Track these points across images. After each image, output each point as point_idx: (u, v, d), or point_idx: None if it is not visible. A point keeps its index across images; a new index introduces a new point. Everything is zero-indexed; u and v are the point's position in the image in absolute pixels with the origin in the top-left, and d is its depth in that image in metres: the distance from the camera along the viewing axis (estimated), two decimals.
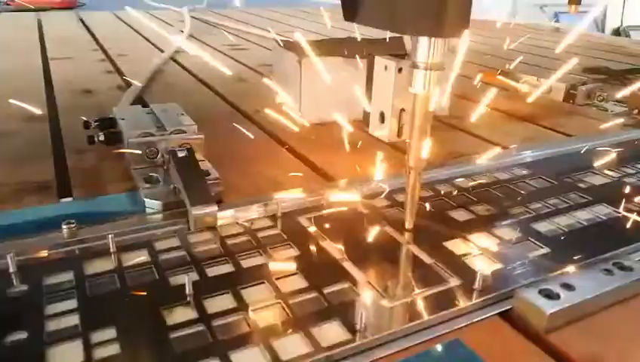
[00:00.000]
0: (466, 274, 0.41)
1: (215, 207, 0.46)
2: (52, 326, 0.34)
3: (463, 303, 0.38)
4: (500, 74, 0.99)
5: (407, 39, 0.50)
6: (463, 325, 0.36)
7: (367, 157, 0.66)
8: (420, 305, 0.37)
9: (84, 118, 0.64)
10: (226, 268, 0.41)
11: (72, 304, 0.36)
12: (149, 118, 0.62)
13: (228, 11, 2.13)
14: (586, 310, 0.37)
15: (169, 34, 1.55)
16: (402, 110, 0.47)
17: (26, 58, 1.14)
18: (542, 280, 0.39)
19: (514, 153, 0.67)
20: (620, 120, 0.81)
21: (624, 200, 0.54)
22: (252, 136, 0.72)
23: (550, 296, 0.37)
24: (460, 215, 0.51)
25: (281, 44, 0.82)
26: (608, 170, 0.63)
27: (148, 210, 0.50)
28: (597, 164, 0.65)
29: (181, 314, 0.36)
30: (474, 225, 0.49)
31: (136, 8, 2.15)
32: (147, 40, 1.47)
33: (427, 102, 0.43)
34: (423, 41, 0.40)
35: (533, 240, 0.47)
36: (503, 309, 0.38)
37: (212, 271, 0.41)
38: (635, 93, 0.85)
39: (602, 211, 0.53)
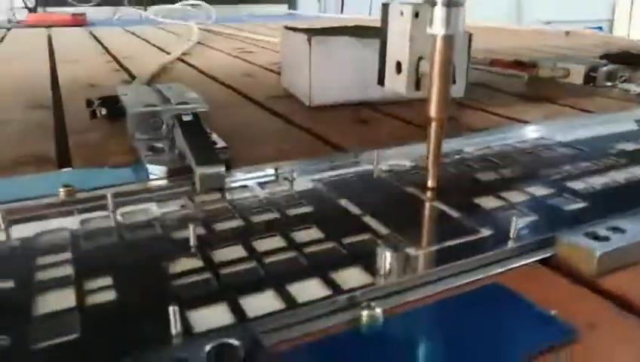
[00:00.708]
0: (499, 225, 0.37)
1: (222, 167, 0.43)
2: (41, 276, 0.31)
3: (498, 250, 0.34)
4: (514, 61, 0.96)
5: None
6: (499, 270, 0.32)
7: (381, 132, 0.63)
8: (450, 252, 0.34)
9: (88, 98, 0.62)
10: (235, 223, 0.38)
11: (65, 256, 0.33)
12: (153, 93, 0.60)
13: (236, 24, 2.13)
14: None
15: (177, 40, 1.55)
16: (420, 58, 0.44)
17: (34, 64, 1.13)
18: (587, 226, 0.35)
19: (538, 126, 0.63)
20: None
21: None
22: (261, 118, 0.69)
23: (598, 238, 0.33)
24: (487, 176, 0.47)
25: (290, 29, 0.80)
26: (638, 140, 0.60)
27: (152, 177, 0.47)
28: (625, 133, 0.61)
29: (185, 263, 0.32)
30: (503, 184, 0.45)
31: (145, 25, 2.17)
32: (155, 46, 1.46)
33: (448, 45, 0.40)
34: None
35: (568, 195, 0.43)
36: (544, 256, 0.34)
37: (219, 226, 0.37)
38: None
39: (638, 171, 0.49)
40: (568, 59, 1.00)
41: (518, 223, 0.35)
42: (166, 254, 0.33)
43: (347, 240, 0.35)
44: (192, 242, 0.34)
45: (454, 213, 0.39)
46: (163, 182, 0.46)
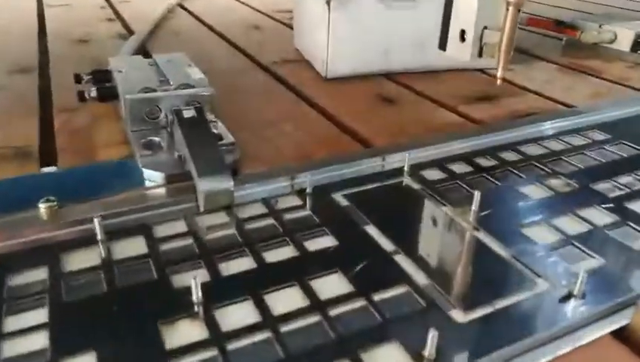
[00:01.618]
0: (556, 272, 0.31)
1: (230, 181, 0.37)
2: (10, 349, 0.26)
3: (559, 318, 0.28)
4: (554, 21, 0.86)
5: None
6: (563, 352, 0.27)
7: (413, 116, 0.55)
8: (502, 321, 0.28)
9: (76, 72, 0.55)
10: (246, 264, 0.32)
11: (41, 316, 0.27)
12: (150, 70, 0.52)
13: None
14: None
15: None
16: (485, 28, 0.39)
17: (19, 13, 1.03)
18: None
19: (584, 113, 0.56)
20: None
21: None
22: (272, 94, 0.62)
23: None
24: (535, 191, 0.41)
25: None
26: None
27: (147, 183, 0.41)
28: None
29: (186, 331, 0.27)
30: (554, 205, 0.39)
31: None
32: None
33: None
34: None
35: (633, 224, 0.37)
36: (617, 326, 0.28)
37: (227, 268, 0.31)
38: None
39: None
40: (614, 17, 0.90)
41: (584, 276, 0.29)
42: (163, 313, 0.27)
43: (379, 296, 0.29)
44: (194, 297, 0.28)
45: (502, 251, 0.33)
46: (160, 192, 0.39)
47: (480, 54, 0.43)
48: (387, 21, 0.63)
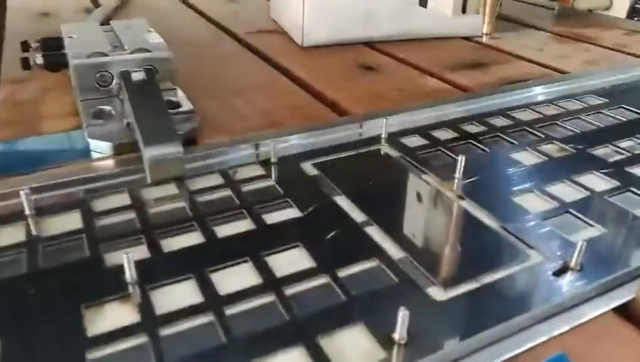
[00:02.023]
0: (551, 243, 0.27)
1: (179, 147, 0.32)
2: None
3: (554, 293, 0.24)
4: None
5: None
6: (561, 331, 0.22)
7: (395, 84, 0.51)
8: (490, 298, 0.24)
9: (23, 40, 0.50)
10: (193, 239, 0.27)
11: None
12: (105, 36, 0.47)
13: None
14: None
15: None
16: None
17: None
18: None
19: (580, 78, 0.52)
20: None
21: None
22: (243, 62, 0.57)
23: None
24: (526, 157, 0.37)
25: None
26: None
27: (94, 155, 0.37)
28: None
29: (113, 315, 0.22)
30: (548, 171, 0.35)
31: None
32: None
33: None
34: None
35: (635, 190, 0.33)
36: (620, 302, 0.24)
37: (170, 245, 0.27)
38: None
39: None
40: None
41: (582, 246, 0.25)
42: (89, 296, 0.23)
43: (345, 272, 0.25)
44: (128, 276, 0.24)
45: (489, 221, 0.29)
46: (106, 164, 0.35)
47: (464, 9, 0.39)
48: None
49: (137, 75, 0.37)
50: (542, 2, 0.83)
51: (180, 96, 0.43)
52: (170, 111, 0.41)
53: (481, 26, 0.52)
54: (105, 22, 0.71)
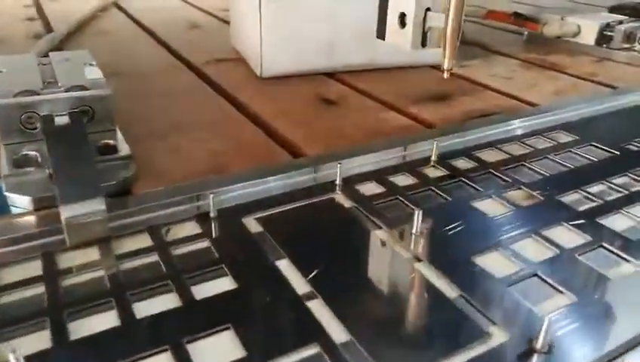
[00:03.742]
0: (516, 316, 0.24)
1: (101, 205, 0.29)
2: None
3: None
4: (513, 15, 0.80)
5: None
6: None
7: (355, 120, 0.48)
8: None
9: None
10: (106, 322, 0.24)
11: None
12: (38, 70, 0.43)
13: None
14: None
15: None
16: (428, 9, 0.32)
17: None
18: None
19: (549, 112, 0.49)
20: None
21: None
22: (195, 96, 0.54)
23: None
24: (490, 207, 0.34)
25: None
26: None
27: (13, 210, 0.33)
28: None
29: None
30: (514, 224, 0.32)
31: None
32: None
33: None
34: None
35: (607, 246, 0.30)
36: None
37: (78, 329, 0.23)
38: None
39: None
40: (575, 11, 0.85)
41: (549, 323, 0.22)
42: None
43: None
44: None
45: (448, 289, 0.26)
46: (24, 222, 0.31)
47: (424, 43, 0.36)
48: (328, 10, 0.56)
49: (61, 120, 0.34)
50: (511, 28, 0.82)
51: (119, 138, 0.39)
52: (104, 157, 0.37)
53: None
54: (55, 49, 0.67)
